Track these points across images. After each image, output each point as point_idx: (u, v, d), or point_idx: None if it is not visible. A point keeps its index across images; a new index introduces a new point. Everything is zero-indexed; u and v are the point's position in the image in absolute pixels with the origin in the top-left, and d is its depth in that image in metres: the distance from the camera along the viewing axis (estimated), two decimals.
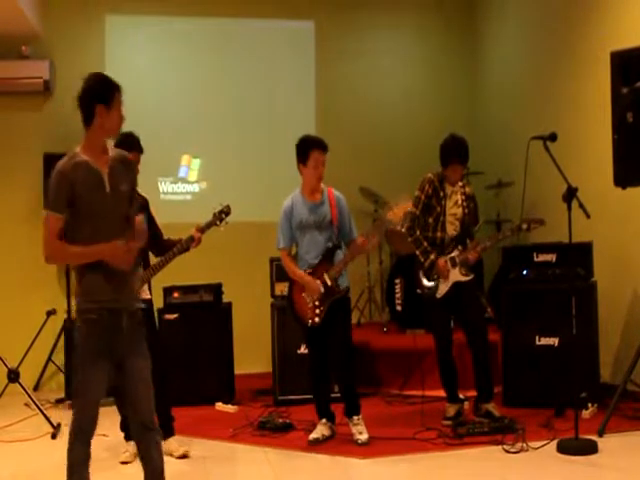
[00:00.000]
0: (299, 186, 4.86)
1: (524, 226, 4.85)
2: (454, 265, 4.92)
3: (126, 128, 4.74)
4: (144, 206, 4.70)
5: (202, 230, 4.58)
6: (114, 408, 4.68)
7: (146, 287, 4.65)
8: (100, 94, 3.25)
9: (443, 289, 4.95)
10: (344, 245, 4.85)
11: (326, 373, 4.85)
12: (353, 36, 7.91)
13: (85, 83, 3.27)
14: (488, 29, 7.93)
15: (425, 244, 4.94)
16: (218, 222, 4.63)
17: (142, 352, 3.28)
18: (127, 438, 4.61)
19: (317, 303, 4.70)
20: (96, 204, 3.20)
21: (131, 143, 4.56)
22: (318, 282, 4.68)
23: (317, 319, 4.70)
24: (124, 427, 4.62)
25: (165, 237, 4.73)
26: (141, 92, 7.21)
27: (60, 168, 3.17)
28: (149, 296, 4.68)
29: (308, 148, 4.73)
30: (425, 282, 4.98)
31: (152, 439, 3.32)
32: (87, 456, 3.26)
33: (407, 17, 8.10)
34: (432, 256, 4.91)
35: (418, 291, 5.07)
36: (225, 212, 4.65)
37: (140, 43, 7.50)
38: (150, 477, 3.34)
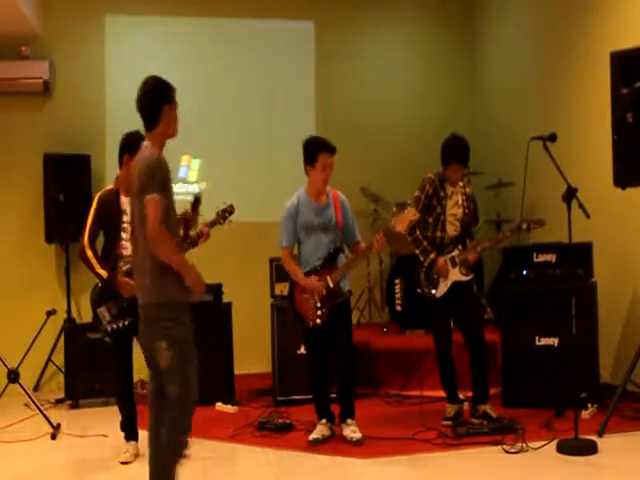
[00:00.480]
0: (302, 186, 4.84)
1: (524, 226, 4.85)
2: (454, 265, 4.92)
3: (126, 129, 4.78)
4: None
5: (210, 225, 4.61)
6: (115, 408, 4.70)
7: None
8: (165, 94, 3.47)
9: (443, 288, 4.94)
10: (347, 247, 4.86)
11: (326, 373, 4.84)
12: (353, 36, 7.91)
13: (147, 86, 3.47)
14: (488, 29, 7.93)
15: (425, 243, 4.94)
16: (222, 221, 4.65)
17: None
18: (127, 438, 4.61)
19: (319, 305, 4.69)
20: (173, 196, 3.50)
21: (139, 142, 4.56)
22: (320, 282, 4.67)
23: (318, 320, 4.70)
24: (124, 427, 4.62)
25: None
26: None
27: (160, 155, 3.42)
28: None
29: (317, 150, 4.70)
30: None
31: None
32: None
33: (407, 17, 8.10)
34: (432, 255, 4.91)
35: (418, 291, 5.07)
36: (229, 211, 4.67)
37: (140, 43, 7.50)
38: None
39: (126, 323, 4.48)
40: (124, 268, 4.52)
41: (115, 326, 4.49)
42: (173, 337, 3.35)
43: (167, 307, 3.37)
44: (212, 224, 4.61)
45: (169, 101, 3.46)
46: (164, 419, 3.46)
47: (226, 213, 4.66)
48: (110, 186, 4.69)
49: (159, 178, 3.35)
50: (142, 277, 3.47)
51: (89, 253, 4.51)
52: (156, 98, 3.44)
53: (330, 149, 4.71)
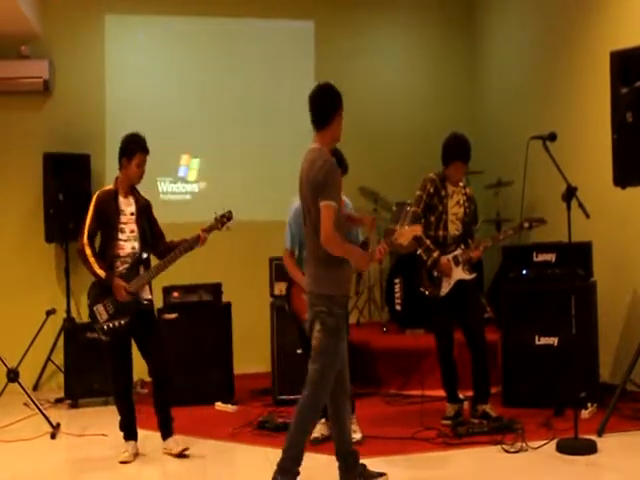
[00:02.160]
0: None
1: (526, 225, 4.86)
2: (457, 264, 4.93)
3: (126, 129, 4.78)
4: (146, 209, 4.71)
5: (207, 231, 4.61)
6: (114, 408, 4.70)
7: (147, 287, 4.65)
8: (340, 102, 3.70)
9: (446, 287, 4.95)
10: None
11: None
12: (353, 36, 7.91)
13: (325, 90, 3.69)
14: (488, 29, 7.94)
15: (428, 242, 4.94)
16: (220, 226, 4.65)
17: None
18: (126, 438, 4.61)
19: None
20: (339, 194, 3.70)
21: (137, 143, 4.57)
22: None
23: None
24: (123, 427, 4.61)
25: (167, 240, 4.76)
26: (141, 92, 7.18)
27: (333, 160, 3.57)
28: (150, 296, 4.69)
29: None
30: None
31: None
32: None
33: (407, 17, 8.10)
34: (435, 254, 4.91)
35: (422, 289, 5.06)
36: (227, 217, 4.66)
37: (140, 43, 7.49)
38: None
39: (122, 322, 4.47)
40: (120, 268, 4.52)
41: (111, 324, 4.48)
42: (325, 324, 3.64)
43: (323, 298, 3.65)
44: (209, 229, 4.61)
45: (341, 109, 3.69)
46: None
47: (224, 219, 4.65)
48: (109, 186, 4.68)
49: (336, 185, 3.58)
50: (309, 268, 3.76)
51: (88, 251, 4.50)
52: (333, 104, 3.67)
53: (343, 170, 4.63)
